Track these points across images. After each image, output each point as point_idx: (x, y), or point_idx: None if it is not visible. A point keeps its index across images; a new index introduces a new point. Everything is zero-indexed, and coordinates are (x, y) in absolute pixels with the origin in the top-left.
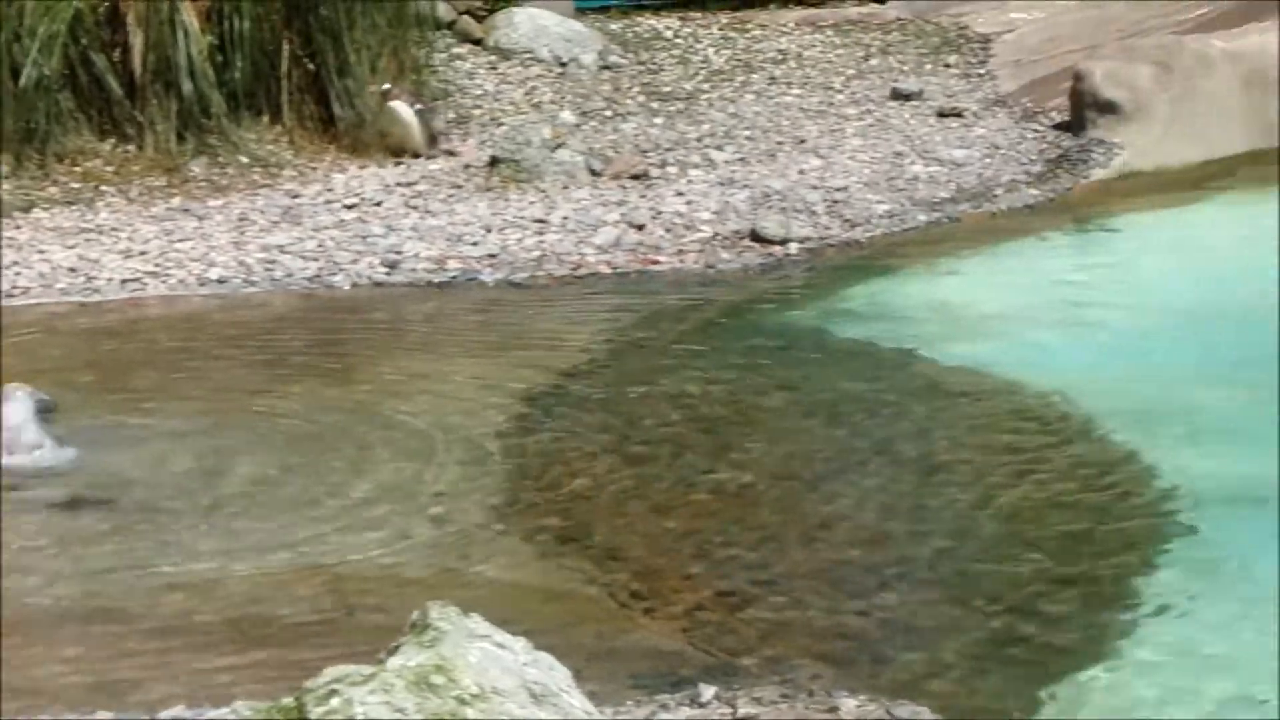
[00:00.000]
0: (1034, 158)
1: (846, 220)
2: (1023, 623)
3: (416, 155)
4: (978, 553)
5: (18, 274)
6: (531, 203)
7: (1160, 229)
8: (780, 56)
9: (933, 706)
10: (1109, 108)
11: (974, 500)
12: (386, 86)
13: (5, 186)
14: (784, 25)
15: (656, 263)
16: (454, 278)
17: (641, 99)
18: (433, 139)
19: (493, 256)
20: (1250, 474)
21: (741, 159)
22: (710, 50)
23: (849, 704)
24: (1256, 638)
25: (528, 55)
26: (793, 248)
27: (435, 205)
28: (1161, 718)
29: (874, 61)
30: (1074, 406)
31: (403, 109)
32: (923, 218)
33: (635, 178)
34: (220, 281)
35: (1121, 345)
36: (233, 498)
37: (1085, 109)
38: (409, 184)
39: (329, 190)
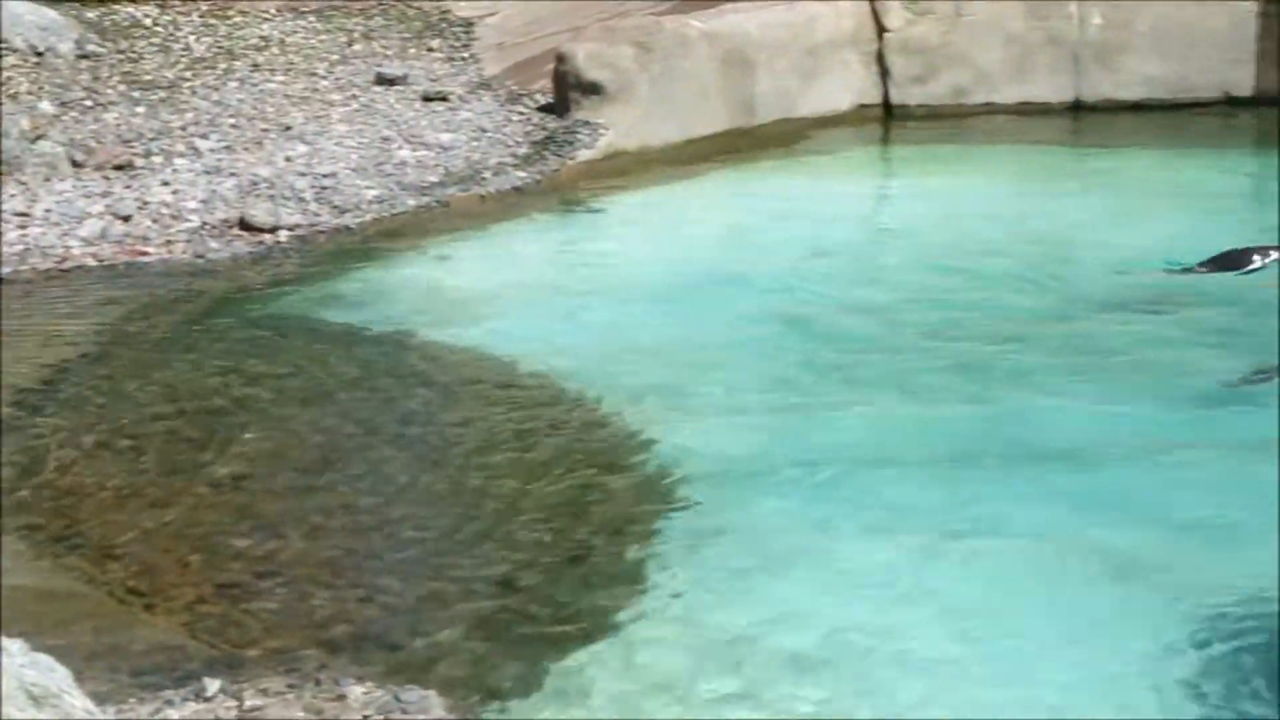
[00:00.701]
0: (520, 140)
1: (336, 206)
2: (526, 602)
3: None
4: (479, 534)
5: None
6: (12, 195)
7: (646, 208)
8: (263, 43)
9: (440, 689)
10: (592, 89)
11: (473, 482)
12: None
13: None
14: (265, 11)
15: (145, 254)
16: None
17: (122, 88)
18: None
19: None
20: (739, 450)
21: (227, 147)
22: (191, 38)
23: (356, 691)
24: (753, 608)
25: (1, 45)
26: (283, 235)
27: None
28: (667, 686)
29: (358, 46)
30: (568, 385)
31: None
32: (412, 202)
33: (119, 168)
34: None
35: (612, 324)
36: None
37: (569, 91)
38: None
39: None
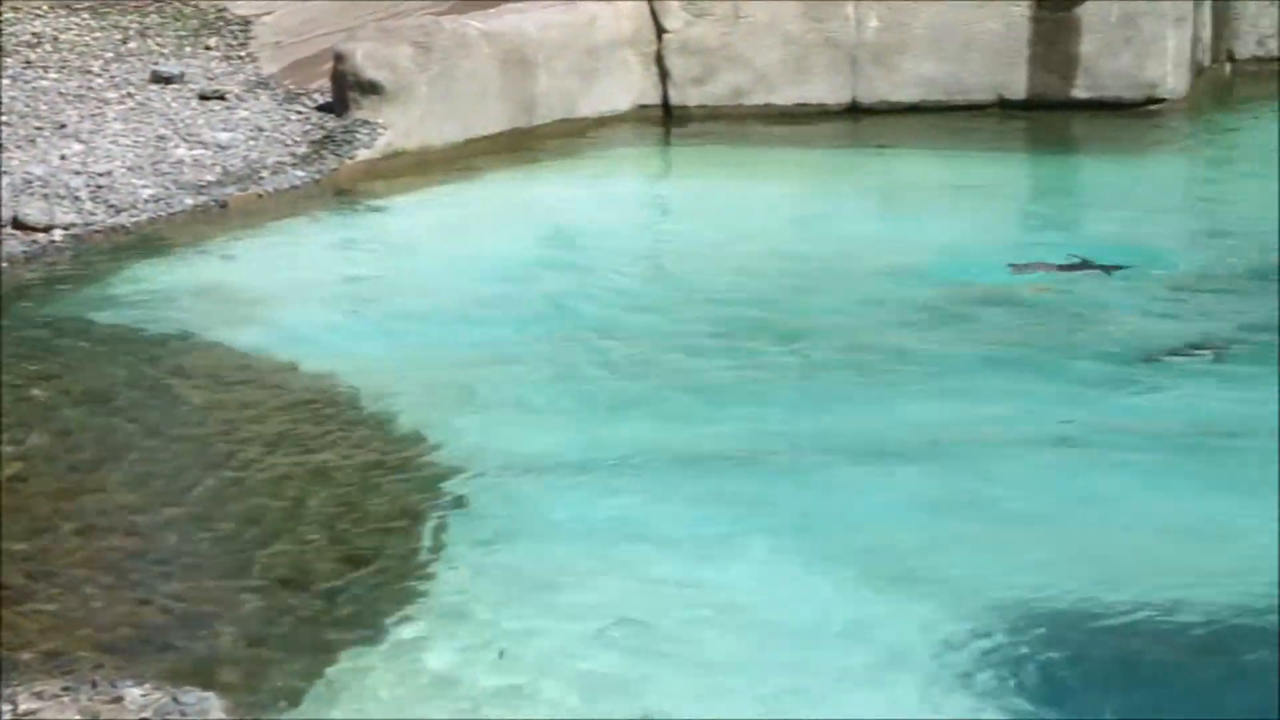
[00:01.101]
0: (299, 139)
1: (112, 205)
2: (307, 603)
3: None
4: (260, 535)
5: None
6: None
7: (426, 208)
8: (35, 40)
9: (220, 691)
10: (371, 88)
11: (254, 483)
12: None
13: None
14: (37, 8)
15: None
16: None
17: None
18: None
19: None
20: (523, 449)
21: None
22: None
23: (134, 694)
24: (527, 601)
25: None
26: (57, 234)
27: None
28: (447, 687)
29: (133, 44)
30: (350, 385)
31: None
32: (189, 201)
33: None
34: None
35: (394, 324)
36: None
37: (348, 90)
38: None
39: None
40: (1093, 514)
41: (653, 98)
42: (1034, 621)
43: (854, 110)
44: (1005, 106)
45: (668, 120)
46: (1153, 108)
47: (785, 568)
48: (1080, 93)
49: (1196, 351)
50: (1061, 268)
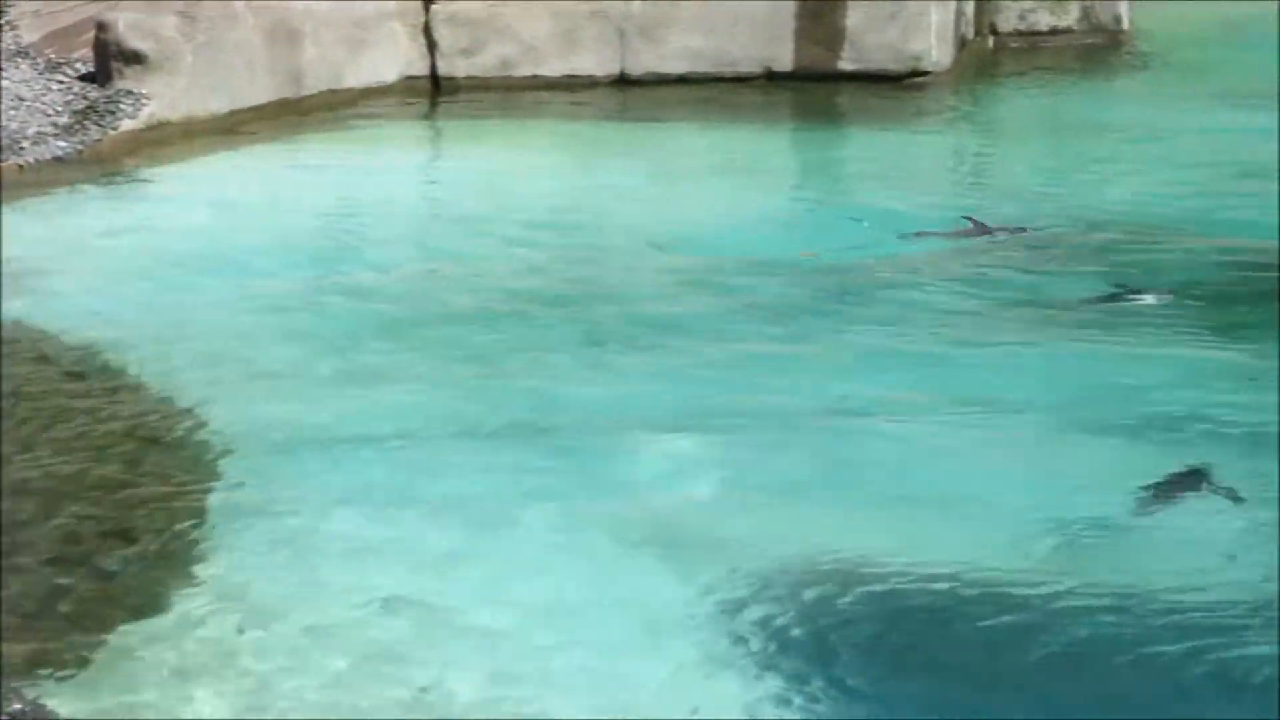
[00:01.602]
0: (61, 109)
1: None
2: (77, 580)
3: None
4: (27, 512)
5: None
6: None
7: (190, 179)
8: None
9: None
10: (135, 58)
11: (19, 458)
12: None
13: None
14: None
15: None
16: None
17: None
18: None
19: None
20: (283, 422)
21: None
22: None
23: None
24: (303, 574)
25: None
26: None
27: None
28: (216, 660)
29: None
30: (113, 358)
31: None
32: None
33: None
34: None
35: (156, 296)
36: None
37: (111, 60)
38: None
39: None
40: (862, 481)
41: (420, 69)
42: (805, 586)
43: (622, 81)
44: (772, 78)
45: (436, 91)
46: (917, 79)
47: (563, 537)
48: (846, 65)
49: (1135, 297)
50: (956, 234)
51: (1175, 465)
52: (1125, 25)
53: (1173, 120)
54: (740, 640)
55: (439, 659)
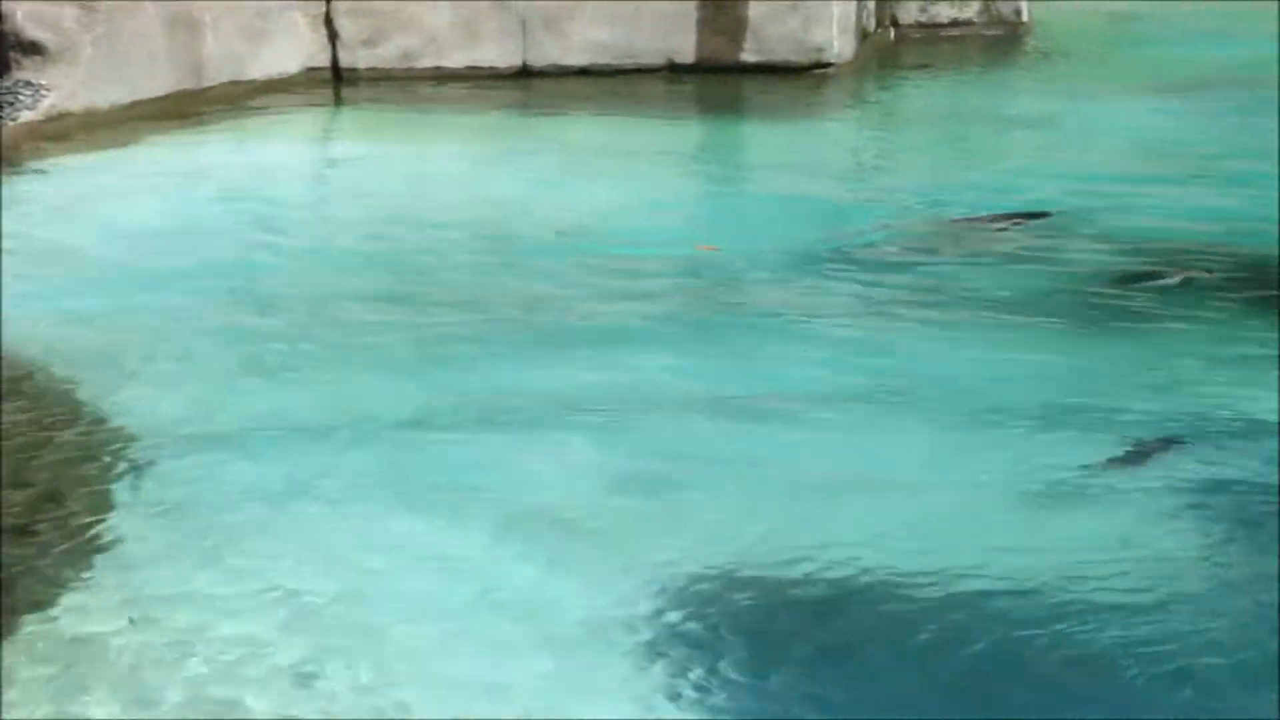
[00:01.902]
0: None
1: None
2: None
3: None
4: None
5: None
6: None
7: (90, 172)
8: None
9: None
10: (33, 49)
11: None
12: None
13: None
14: None
15: None
16: None
17: None
18: None
19: None
20: (190, 417)
21: None
22: None
23: None
24: (206, 573)
25: None
26: None
27: None
28: (114, 658)
29: None
30: (13, 352)
31: None
32: None
33: None
34: None
35: (58, 291)
36: None
37: (9, 50)
38: None
39: None
40: (756, 476)
41: (322, 60)
42: (696, 588)
43: (525, 73)
44: (675, 70)
45: (337, 83)
46: (819, 71)
47: (445, 537)
48: (749, 56)
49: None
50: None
51: None
52: (1025, 19)
53: (1073, 108)
54: (630, 643)
55: (317, 655)
